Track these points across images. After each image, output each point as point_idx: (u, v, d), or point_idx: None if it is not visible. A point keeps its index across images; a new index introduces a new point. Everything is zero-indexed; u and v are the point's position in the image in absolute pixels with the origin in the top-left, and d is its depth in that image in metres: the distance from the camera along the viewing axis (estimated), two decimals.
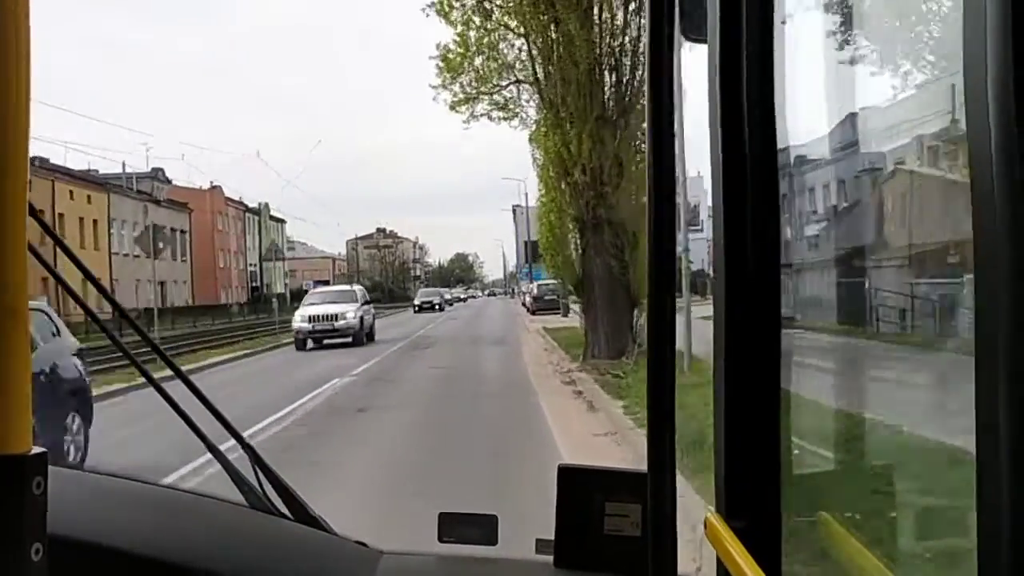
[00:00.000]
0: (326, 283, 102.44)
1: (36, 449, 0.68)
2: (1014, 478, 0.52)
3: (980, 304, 0.56)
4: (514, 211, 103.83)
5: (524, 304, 57.91)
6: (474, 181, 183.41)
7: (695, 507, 4.26)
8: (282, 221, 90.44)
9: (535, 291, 48.81)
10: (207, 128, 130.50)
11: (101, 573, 1.13)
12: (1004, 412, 0.53)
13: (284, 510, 1.32)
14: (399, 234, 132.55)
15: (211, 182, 69.12)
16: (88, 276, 1.36)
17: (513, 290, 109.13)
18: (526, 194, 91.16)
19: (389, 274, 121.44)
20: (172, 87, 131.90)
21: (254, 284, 77.75)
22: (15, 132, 0.67)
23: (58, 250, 1.38)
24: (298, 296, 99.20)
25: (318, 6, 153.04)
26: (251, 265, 77.40)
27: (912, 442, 2.03)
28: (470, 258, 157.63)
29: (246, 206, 77.02)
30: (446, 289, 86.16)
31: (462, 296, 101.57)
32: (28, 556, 0.67)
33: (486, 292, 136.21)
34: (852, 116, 1.75)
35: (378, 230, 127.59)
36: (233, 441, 1.38)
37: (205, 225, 66.10)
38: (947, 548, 1.35)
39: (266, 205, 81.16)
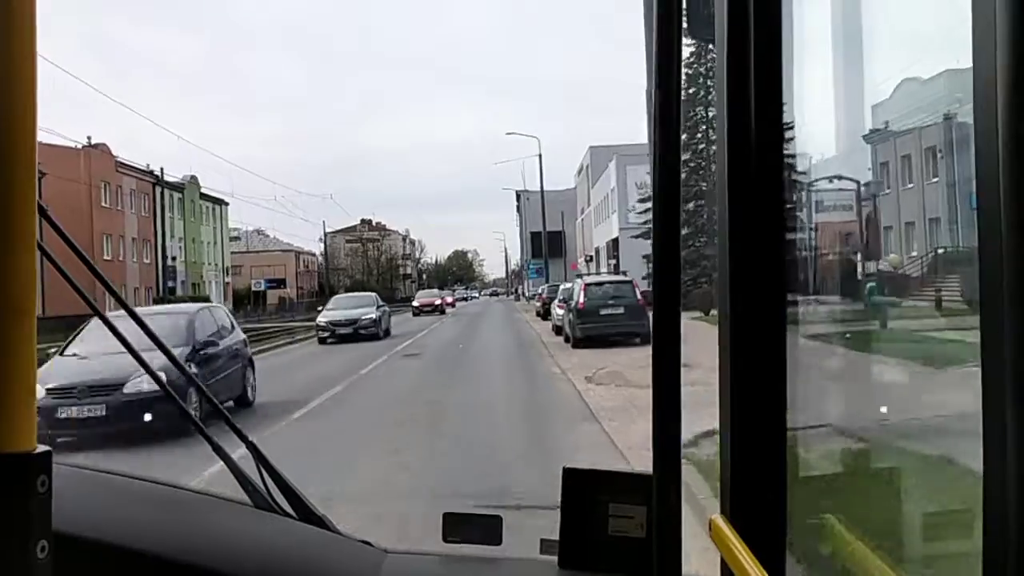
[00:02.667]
0: (282, 282, 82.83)
1: (40, 447, 0.69)
2: (1019, 480, 0.52)
3: (985, 304, 0.55)
4: (518, 197, 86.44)
5: (544, 315, 32.95)
6: (473, 177, 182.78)
7: None
8: (220, 202, 67.71)
9: (581, 298, 22.25)
10: (205, 126, 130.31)
11: (105, 571, 1.13)
12: (1011, 413, 0.52)
13: (288, 509, 1.32)
14: (388, 226, 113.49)
15: (88, 138, 47.90)
16: (96, 274, 1.37)
17: (518, 291, 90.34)
18: (540, 157, 63.73)
19: (374, 272, 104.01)
20: (169, 84, 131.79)
21: (172, 284, 54.54)
22: (23, 131, 0.67)
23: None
24: (242, 300, 71.74)
25: (316, 4, 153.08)
26: (172, 259, 55.03)
27: (916, 444, 2.03)
28: (469, 255, 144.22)
29: (157, 177, 52.76)
30: (365, 297, 33.80)
31: (441, 301, 56.75)
32: (33, 553, 0.67)
33: (487, 292, 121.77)
34: (860, 115, 1.74)
35: (362, 221, 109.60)
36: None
37: (77, 199, 44.67)
38: (951, 550, 1.35)
39: (193, 179, 61.05)
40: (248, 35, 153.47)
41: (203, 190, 63.75)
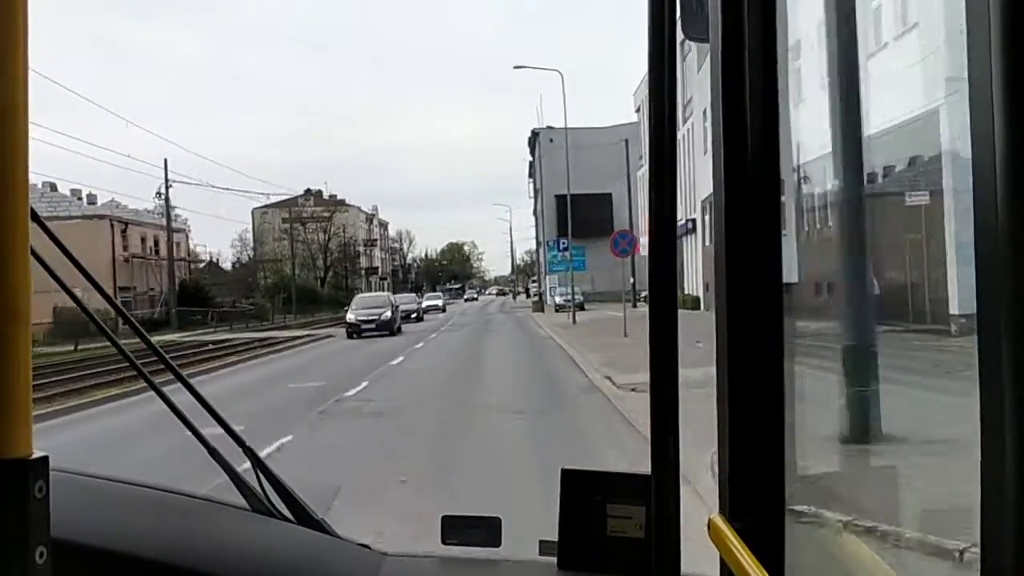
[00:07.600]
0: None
1: (38, 453, 0.68)
2: (1017, 478, 0.52)
3: (982, 309, 0.55)
4: (532, 145, 56.26)
5: None
6: (471, 175, 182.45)
7: None
8: None
9: None
10: (205, 126, 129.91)
11: None
12: (1009, 413, 0.52)
13: (286, 513, 1.32)
14: (348, 201, 77.95)
15: None
16: (90, 280, 1.37)
17: (528, 290, 64.07)
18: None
19: (323, 262, 73.12)
20: (170, 85, 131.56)
21: None
22: (14, 136, 0.67)
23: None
24: None
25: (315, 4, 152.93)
26: None
27: (913, 443, 2.03)
28: (466, 248, 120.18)
29: None
30: None
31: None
32: (33, 559, 0.67)
33: (488, 291, 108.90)
34: (856, 115, 1.75)
35: (307, 192, 75.08)
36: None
37: None
38: (949, 547, 1.36)
39: None
40: (247, 33, 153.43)
41: None
